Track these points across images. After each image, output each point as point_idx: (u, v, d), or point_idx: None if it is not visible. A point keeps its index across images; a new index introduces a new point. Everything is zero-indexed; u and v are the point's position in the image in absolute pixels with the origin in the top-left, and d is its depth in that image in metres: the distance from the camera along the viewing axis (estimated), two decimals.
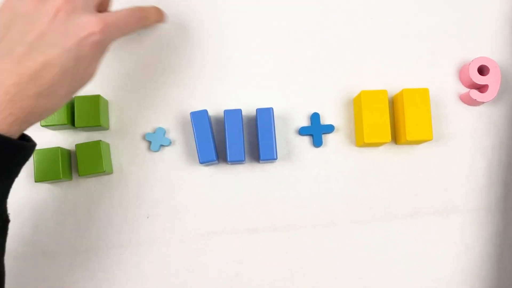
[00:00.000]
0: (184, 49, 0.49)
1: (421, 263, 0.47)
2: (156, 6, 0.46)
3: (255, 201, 0.47)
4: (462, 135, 0.49)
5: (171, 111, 0.48)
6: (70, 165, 0.46)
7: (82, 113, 0.45)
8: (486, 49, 0.50)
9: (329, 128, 0.48)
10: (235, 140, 0.45)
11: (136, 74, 0.48)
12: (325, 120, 0.48)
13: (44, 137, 0.47)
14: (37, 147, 0.44)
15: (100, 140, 0.45)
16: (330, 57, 0.49)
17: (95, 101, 0.45)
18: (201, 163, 0.45)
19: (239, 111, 0.45)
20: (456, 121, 0.49)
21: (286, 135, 0.48)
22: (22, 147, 0.34)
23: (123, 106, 0.48)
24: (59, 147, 0.44)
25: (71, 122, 0.45)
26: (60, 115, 0.44)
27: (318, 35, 0.50)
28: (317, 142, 0.48)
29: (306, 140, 0.48)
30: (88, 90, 0.47)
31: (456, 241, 0.48)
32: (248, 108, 0.48)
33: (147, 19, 0.44)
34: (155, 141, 0.47)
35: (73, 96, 0.44)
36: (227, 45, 0.49)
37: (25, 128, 0.34)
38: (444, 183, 0.48)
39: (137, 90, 0.48)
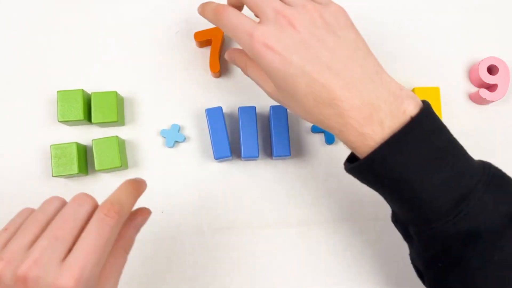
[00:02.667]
0: (198, 47, 0.50)
1: None
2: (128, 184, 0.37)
3: (268, 197, 0.48)
4: (472, 133, 0.49)
5: (186, 108, 0.48)
6: (86, 160, 0.47)
7: (99, 109, 0.46)
8: (496, 49, 0.51)
9: None
10: (249, 136, 0.45)
11: (151, 72, 0.49)
12: None
13: (61, 132, 0.47)
14: (55, 142, 0.45)
15: (116, 136, 0.45)
16: None
17: (112, 98, 0.46)
18: (215, 159, 0.45)
19: (253, 108, 0.46)
20: (465, 119, 0.50)
21: (298, 133, 0.49)
22: None
23: (139, 103, 0.48)
24: (75, 142, 0.45)
25: (88, 118, 0.46)
26: (77, 111, 0.45)
27: None
28: (329, 140, 0.48)
29: (318, 137, 0.49)
30: (104, 86, 0.48)
31: None
32: (262, 105, 0.48)
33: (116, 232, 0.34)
34: (170, 137, 0.47)
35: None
36: None
37: None
38: None
39: (153, 87, 0.49)
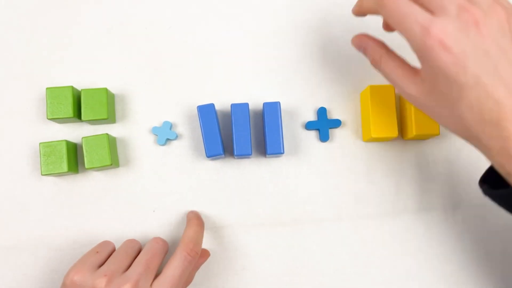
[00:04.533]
0: (192, 43, 0.49)
1: (427, 259, 0.47)
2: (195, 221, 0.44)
3: (261, 195, 0.47)
4: None
5: (178, 105, 0.48)
6: (76, 159, 0.46)
7: (89, 106, 0.45)
8: None
9: (336, 123, 0.48)
10: (242, 134, 0.45)
11: (143, 68, 0.48)
12: (332, 115, 0.48)
13: (51, 130, 0.47)
14: (44, 140, 0.45)
15: (107, 133, 0.45)
16: (337, 51, 0.49)
17: (102, 94, 0.45)
18: (208, 157, 0.44)
19: (246, 105, 0.45)
20: None
21: (292, 130, 0.48)
22: None
23: (130, 100, 0.48)
24: (65, 140, 0.44)
25: (78, 115, 0.45)
26: (67, 108, 0.44)
27: (325, 29, 0.49)
28: (323, 137, 0.48)
29: (312, 134, 0.48)
30: (94, 83, 0.47)
31: (463, 237, 0.47)
32: (255, 102, 0.47)
33: (196, 257, 0.41)
34: (162, 134, 0.47)
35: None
36: (234, 39, 0.49)
37: None
38: (451, 178, 0.48)
39: (144, 83, 0.48)
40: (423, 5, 0.33)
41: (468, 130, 0.32)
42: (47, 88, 0.44)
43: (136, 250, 0.42)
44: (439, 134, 0.45)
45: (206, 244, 0.46)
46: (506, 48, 0.31)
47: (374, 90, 0.46)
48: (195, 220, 0.44)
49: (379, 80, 0.48)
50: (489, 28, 0.31)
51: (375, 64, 0.39)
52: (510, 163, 0.30)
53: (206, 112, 0.45)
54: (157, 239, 0.43)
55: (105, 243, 0.43)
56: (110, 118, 0.46)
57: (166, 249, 0.43)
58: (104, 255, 0.41)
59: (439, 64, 0.31)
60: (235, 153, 0.44)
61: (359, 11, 0.40)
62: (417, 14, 0.32)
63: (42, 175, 0.43)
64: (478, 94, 0.30)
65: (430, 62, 0.32)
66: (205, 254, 0.45)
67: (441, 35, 0.30)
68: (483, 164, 0.48)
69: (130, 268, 0.39)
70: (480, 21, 0.31)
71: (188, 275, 0.41)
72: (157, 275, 0.39)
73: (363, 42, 0.40)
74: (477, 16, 0.31)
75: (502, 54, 0.31)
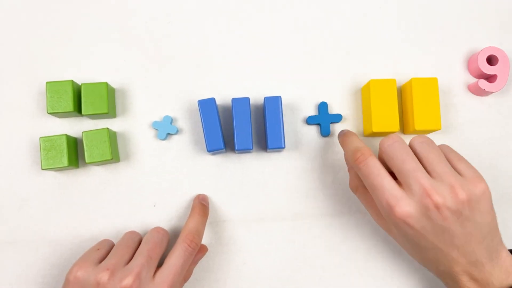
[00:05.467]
0: (192, 37, 0.49)
1: None
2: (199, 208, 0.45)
3: (262, 190, 0.47)
4: (471, 125, 0.48)
5: (178, 99, 0.47)
6: (76, 153, 0.46)
7: (89, 100, 0.45)
8: (495, 39, 0.50)
9: (337, 118, 0.47)
10: (243, 128, 0.44)
11: (143, 62, 0.48)
12: (332, 109, 0.48)
13: (51, 124, 0.46)
14: (44, 135, 0.44)
15: (107, 128, 0.44)
16: (339, 46, 0.49)
17: (102, 89, 0.45)
18: (208, 151, 0.44)
19: (247, 99, 0.45)
20: (464, 111, 0.49)
21: (293, 124, 0.48)
22: None
23: (130, 94, 0.47)
24: (65, 135, 0.44)
25: (78, 109, 0.45)
26: (67, 102, 0.44)
27: (326, 24, 0.49)
28: (324, 132, 0.47)
29: (313, 129, 0.48)
30: (94, 77, 0.47)
31: None
32: (256, 96, 0.47)
33: (196, 248, 0.42)
34: (162, 129, 0.46)
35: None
36: (235, 34, 0.49)
37: None
38: None
39: (144, 78, 0.48)
40: (395, 174, 0.37)
41: (426, 264, 0.40)
42: (47, 82, 0.44)
43: (137, 241, 0.42)
44: (440, 128, 0.45)
45: (206, 238, 0.46)
46: (463, 224, 0.35)
47: (375, 84, 0.45)
48: (198, 209, 0.44)
49: (381, 74, 0.48)
50: (449, 210, 0.35)
51: (352, 187, 0.44)
52: None
53: (207, 106, 0.45)
54: (157, 229, 0.43)
55: (105, 241, 0.43)
56: (111, 112, 0.46)
57: (167, 238, 0.43)
58: (104, 252, 0.41)
59: (403, 231, 0.37)
60: (236, 148, 0.44)
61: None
62: (385, 189, 0.36)
63: (42, 169, 0.43)
64: (435, 252, 0.37)
65: (395, 225, 0.37)
66: (203, 250, 0.45)
67: (404, 216, 0.35)
68: (484, 158, 0.48)
69: (132, 260, 0.39)
70: (441, 204, 0.34)
71: (187, 268, 0.41)
72: (159, 266, 0.40)
73: (346, 160, 0.44)
74: (438, 200, 0.34)
75: (458, 229, 0.35)
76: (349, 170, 0.44)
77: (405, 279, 0.47)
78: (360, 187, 0.42)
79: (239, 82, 0.48)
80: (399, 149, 0.37)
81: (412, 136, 0.48)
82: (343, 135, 0.43)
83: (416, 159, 0.37)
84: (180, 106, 0.47)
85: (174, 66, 0.48)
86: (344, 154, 0.42)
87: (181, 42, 0.48)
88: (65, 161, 0.44)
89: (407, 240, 0.38)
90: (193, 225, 0.42)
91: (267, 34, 0.49)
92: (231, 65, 0.48)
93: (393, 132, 0.46)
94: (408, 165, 0.36)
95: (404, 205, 0.35)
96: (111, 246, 0.42)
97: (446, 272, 0.38)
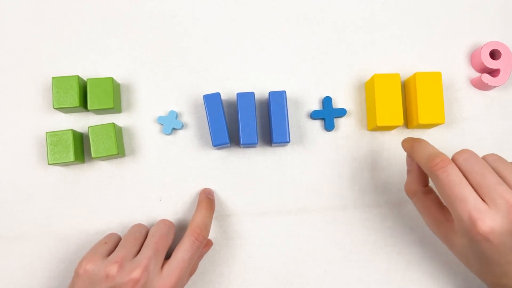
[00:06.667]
0: (197, 32, 0.49)
1: (432, 247, 0.47)
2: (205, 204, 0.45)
3: (267, 184, 0.47)
4: (474, 119, 0.49)
5: (183, 94, 0.48)
6: (82, 148, 0.46)
7: (95, 95, 0.45)
8: (498, 33, 0.50)
9: (341, 112, 0.48)
10: (248, 123, 0.45)
11: (148, 57, 0.48)
12: (337, 104, 0.48)
13: (57, 119, 0.47)
14: (50, 130, 0.45)
15: (113, 123, 0.45)
16: (343, 40, 0.49)
17: (108, 84, 0.45)
18: (214, 146, 0.45)
19: (252, 94, 0.45)
20: (467, 105, 0.49)
21: (298, 119, 0.48)
22: None
23: (135, 89, 0.48)
24: (71, 130, 0.44)
25: (84, 104, 0.45)
26: (73, 97, 0.44)
27: (330, 19, 0.50)
28: (329, 126, 0.48)
29: (318, 123, 0.48)
30: (100, 72, 0.47)
31: None
32: (261, 91, 0.48)
33: (204, 242, 0.42)
34: (167, 124, 0.47)
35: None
36: (240, 29, 0.49)
37: None
38: None
39: (150, 73, 0.48)
40: (474, 188, 0.35)
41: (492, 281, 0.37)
42: (53, 78, 0.44)
43: (144, 234, 0.43)
44: (444, 122, 0.45)
45: (212, 233, 0.46)
46: None
47: (379, 79, 0.46)
48: (204, 204, 0.44)
49: (384, 69, 0.49)
50: None
51: (411, 197, 0.42)
52: None
53: (212, 101, 0.45)
54: (164, 220, 0.43)
55: (112, 234, 0.44)
56: (116, 107, 0.46)
57: (174, 230, 0.43)
58: (112, 245, 0.41)
59: (477, 245, 0.34)
60: (241, 142, 0.44)
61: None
62: (468, 201, 0.34)
63: (48, 164, 0.44)
64: (505, 269, 0.35)
65: (469, 239, 0.35)
66: (208, 244, 0.45)
67: (487, 232, 0.33)
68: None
69: (140, 252, 0.39)
70: None
71: (196, 253, 0.42)
72: (166, 258, 0.40)
73: (409, 164, 0.43)
74: None
75: None
76: (408, 172, 0.43)
77: (409, 273, 0.47)
78: (420, 192, 0.41)
79: (244, 76, 0.48)
80: (476, 163, 0.36)
81: (416, 130, 0.48)
82: (414, 140, 0.41)
83: (495, 173, 0.35)
84: (185, 101, 0.48)
85: (179, 61, 0.48)
86: (416, 158, 0.39)
87: (185, 37, 0.49)
88: (71, 156, 0.44)
89: (475, 253, 0.36)
90: (200, 219, 0.43)
91: (272, 29, 0.49)
92: (236, 60, 0.48)
93: (397, 126, 0.46)
94: (490, 179, 0.34)
95: (489, 220, 0.33)
96: (118, 239, 0.43)
97: (508, 285, 0.36)
